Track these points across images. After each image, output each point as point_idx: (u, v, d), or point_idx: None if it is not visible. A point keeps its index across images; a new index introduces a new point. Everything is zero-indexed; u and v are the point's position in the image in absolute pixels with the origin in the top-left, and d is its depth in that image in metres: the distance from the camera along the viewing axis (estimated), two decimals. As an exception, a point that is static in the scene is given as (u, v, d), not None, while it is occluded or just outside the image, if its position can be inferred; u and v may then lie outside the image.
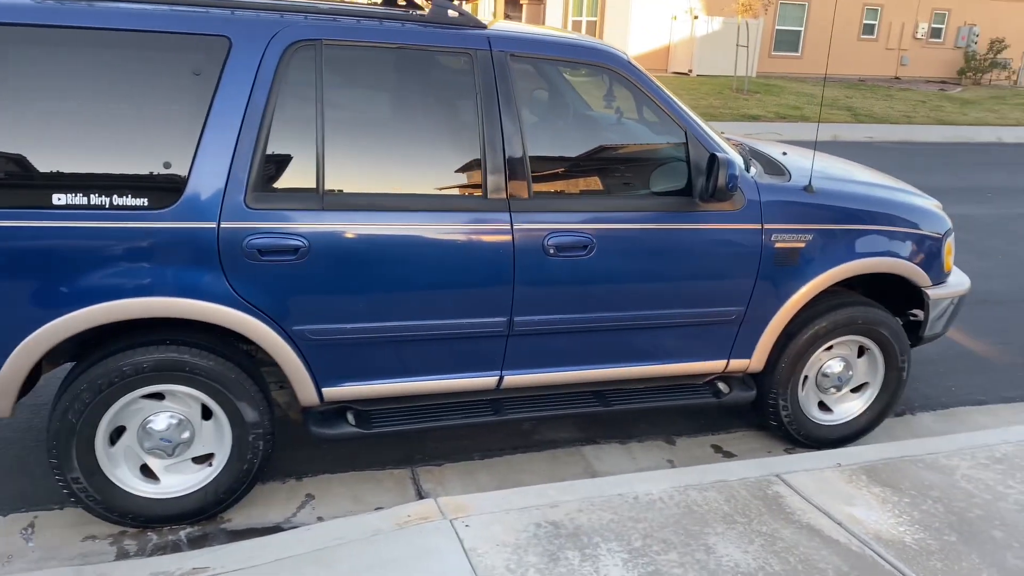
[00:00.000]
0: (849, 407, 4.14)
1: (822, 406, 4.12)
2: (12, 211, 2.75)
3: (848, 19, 26.24)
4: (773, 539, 3.11)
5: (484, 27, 3.32)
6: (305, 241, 3.02)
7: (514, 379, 3.50)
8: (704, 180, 3.40)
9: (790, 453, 4.04)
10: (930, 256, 4.00)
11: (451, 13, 3.30)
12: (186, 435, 3.17)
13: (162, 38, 2.88)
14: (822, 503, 3.36)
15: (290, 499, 3.47)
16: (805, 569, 2.95)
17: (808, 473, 3.60)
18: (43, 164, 2.77)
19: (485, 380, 3.46)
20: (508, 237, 3.25)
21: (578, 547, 3.01)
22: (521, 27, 3.61)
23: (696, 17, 23.22)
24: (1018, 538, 3.20)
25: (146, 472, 3.21)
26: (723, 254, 3.55)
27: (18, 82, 2.74)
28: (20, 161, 2.75)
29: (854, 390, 4.15)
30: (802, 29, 25.62)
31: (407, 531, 3.08)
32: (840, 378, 4.05)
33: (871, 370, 4.11)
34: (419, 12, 3.29)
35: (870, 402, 4.11)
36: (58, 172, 2.79)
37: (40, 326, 2.84)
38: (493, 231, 3.24)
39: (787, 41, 25.62)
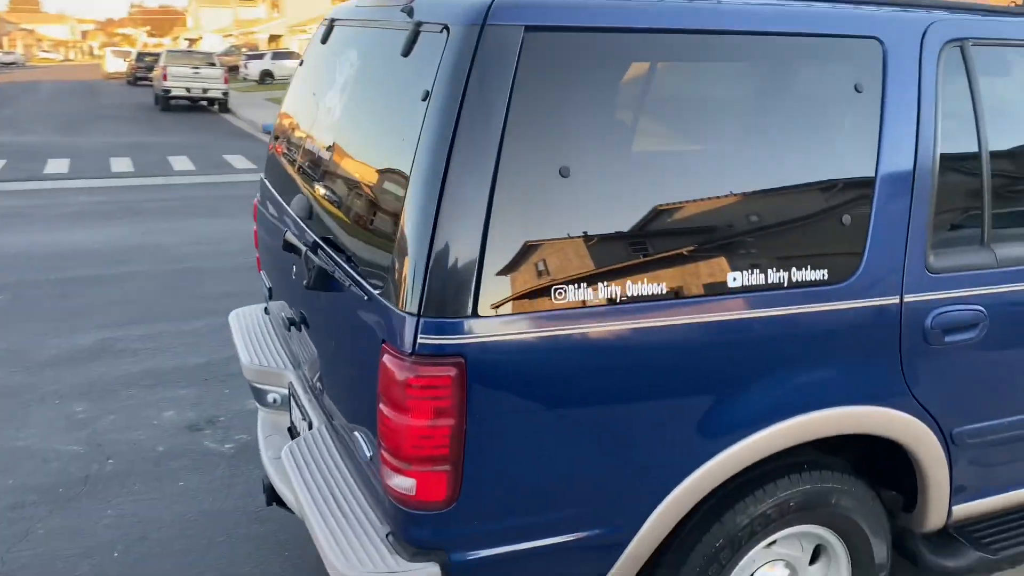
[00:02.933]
0: None
1: None
2: (667, 303, 1.86)
3: None
4: None
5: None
6: (983, 311, 2.21)
7: None
8: None
9: None
10: None
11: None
12: (793, 590, 2.29)
13: (808, 44, 2.05)
14: None
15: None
16: None
17: None
18: (711, 233, 1.90)
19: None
20: None
21: None
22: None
23: None
24: None
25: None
26: None
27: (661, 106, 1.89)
28: (682, 229, 1.87)
29: None
30: None
31: None
32: None
33: None
34: None
35: None
36: (735, 241, 1.92)
37: (698, 466, 1.95)
38: None
39: None
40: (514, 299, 1.72)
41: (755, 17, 1.96)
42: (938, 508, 2.37)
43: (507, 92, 1.71)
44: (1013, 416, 2.36)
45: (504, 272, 1.71)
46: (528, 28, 1.74)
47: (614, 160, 1.81)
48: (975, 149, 2.21)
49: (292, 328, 2.52)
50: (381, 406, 1.75)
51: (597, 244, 1.78)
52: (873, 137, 2.07)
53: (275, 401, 2.77)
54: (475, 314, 1.69)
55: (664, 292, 1.84)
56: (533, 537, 1.87)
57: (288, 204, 2.54)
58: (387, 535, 1.88)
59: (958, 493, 2.38)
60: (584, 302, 1.77)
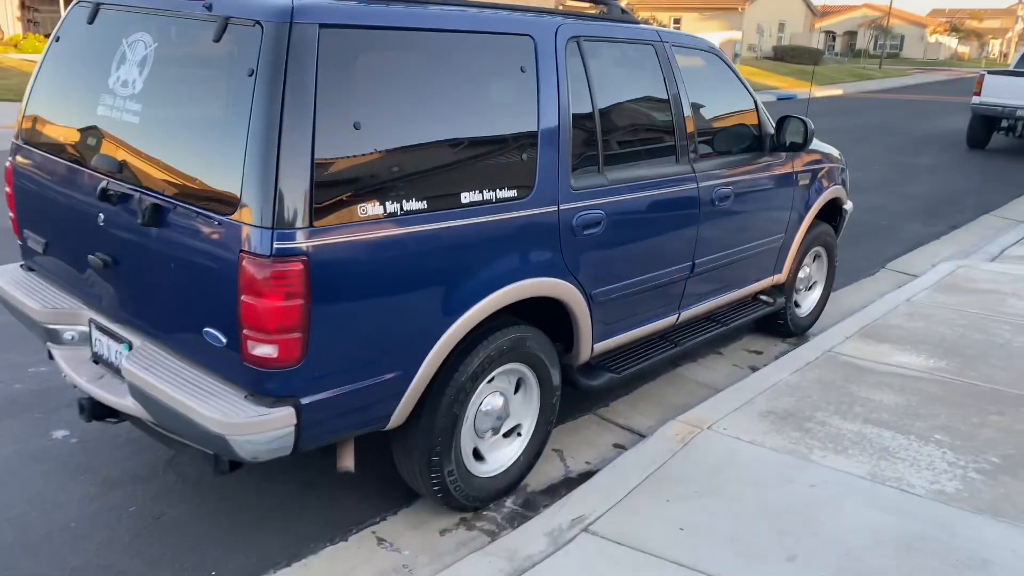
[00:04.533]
0: (816, 300, 5.63)
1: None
2: (429, 215, 2.79)
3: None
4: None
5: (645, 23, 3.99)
6: (602, 213, 3.46)
7: (687, 314, 4.27)
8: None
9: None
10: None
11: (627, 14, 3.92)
12: (506, 410, 3.39)
13: (498, 40, 3.08)
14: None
15: (546, 456, 3.81)
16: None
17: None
18: (453, 165, 2.86)
19: (670, 319, 4.17)
20: (694, 193, 4.00)
21: (789, 416, 4.01)
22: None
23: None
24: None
25: (475, 455, 3.36)
26: None
27: (413, 89, 2.78)
28: (433, 165, 2.80)
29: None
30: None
31: (696, 443, 3.74)
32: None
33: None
34: (626, 15, 3.85)
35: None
36: (464, 171, 2.89)
37: (452, 324, 2.91)
38: (688, 189, 3.96)
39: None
40: (335, 215, 2.52)
41: (467, 20, 2.95)
42: (585, 346, 3.64)
43: (314, 70, 2.48)
44: (626, 281, 3.69)
45: (326, 197, 2.49)
46: (322, 25, 2.52)
47: (388, 118, 2.67)
48: (590, 110, 3.44)
49: (98, 270, 2.96)
50: (244, 297, 2.43)
51: (383, 175, 2.64)
52: (534, 102, 3.17)
53: (73, 338, 3.16)
54: (311, 226, 2.46)
55: (426, 208, 2.76)
56: (355, 380, 2.70)
57: (85, 164, 2.96)
58: (245, 396, 2.58)
59: (597, 335, 3.67)
60: (377, 215, 2.62)
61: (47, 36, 28.57)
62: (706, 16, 44.90)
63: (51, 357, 3.37)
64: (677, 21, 44.94)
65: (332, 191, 2.52)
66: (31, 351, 4.51)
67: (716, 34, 38.70)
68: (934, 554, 2.98)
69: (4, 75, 18.84)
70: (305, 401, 2.59)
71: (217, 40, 2.57)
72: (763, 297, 5.09)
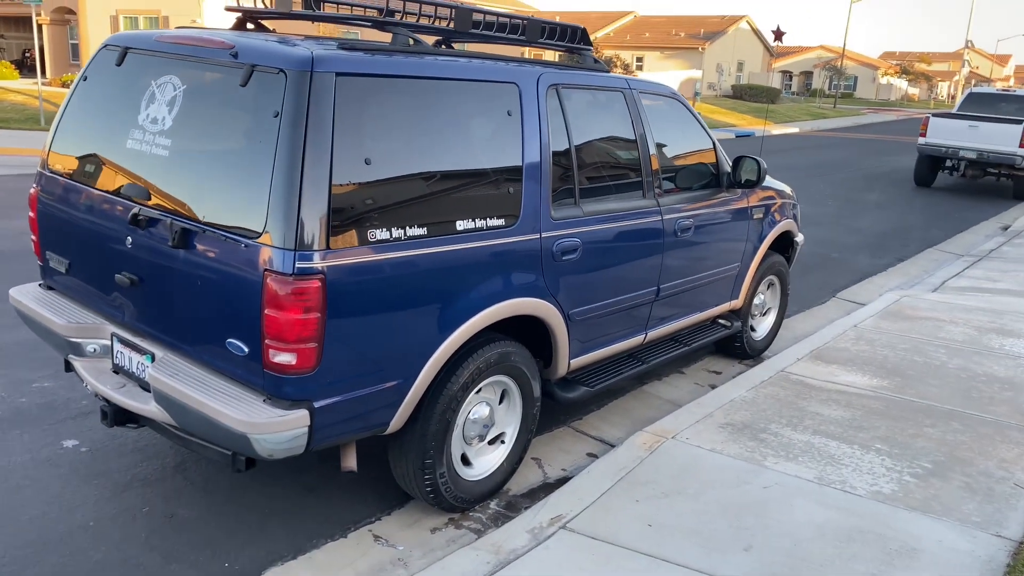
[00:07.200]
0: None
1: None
2: (428, 239, 3.14)
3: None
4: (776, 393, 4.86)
5: (610, 71, 4.42)
6: (578, 240, 3.85)
7: (652, 334, 4.66)
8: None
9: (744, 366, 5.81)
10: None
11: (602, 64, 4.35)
12: (491, 419, 3.73)
13: (483, 87, 3.46)
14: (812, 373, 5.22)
15: (526, 464, 4.15)
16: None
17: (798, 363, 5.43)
18: (449, 196, 3.23)
19: (638, 338, 4.56)
20: (659, 224, 4.41)
21: (745, 428, 4.39)
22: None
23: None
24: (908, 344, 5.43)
25: (464, 461, 3.68)
26: None
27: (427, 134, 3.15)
28: (431, 196, 3.16)
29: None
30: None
31: (661, 451, 4.10)
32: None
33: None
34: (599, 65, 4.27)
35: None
36: (458, 202, 3.25)
37: (446, 338, 3.25)
38: (653, 221, 4.37)
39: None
40: (347, 239, 2.86)
41: (460, 69, 3.33)
42: (563, 362, 4.00)
43: (331, 112, 2.83)
44: (599, 302, 4.07)
45: (340, 223, 2.84)
46: (338, 74, 2.88)
47: (394, 154, 3.03)
48: (568, 149, 3.83)
49: (123, 288, 3.25)
50: (268, 311, 2.75)
51: (388, 204, 2.99)
52: (519, 142, 3.56)
53: (95, 351, 3.44)
54: (327, 249, 2.79)
55: (426, 233, 3.11)
56: (361, 387, 3.03)
57: (114, 192, 3.26)
58: (263, 400, 2.88)
59: (573, 351, 4.03)
60: (384, 240, 2.97)
61: (13, 63, 28.48)
62: (667, 55, 46.25)
63: (68, 369, 3.64)
64: (640, 59, 46.21)
65: (345, 218, 2.86)
66: (34, 368, 4.75)
67: (677, 72, 39.89)
68: (871, 543, 3.37)
69: (-27, 102, 18.86)
70: (318, 405, 2.90)
71: (243, 85, 2.92)
72: (721, 321, 5.50)
